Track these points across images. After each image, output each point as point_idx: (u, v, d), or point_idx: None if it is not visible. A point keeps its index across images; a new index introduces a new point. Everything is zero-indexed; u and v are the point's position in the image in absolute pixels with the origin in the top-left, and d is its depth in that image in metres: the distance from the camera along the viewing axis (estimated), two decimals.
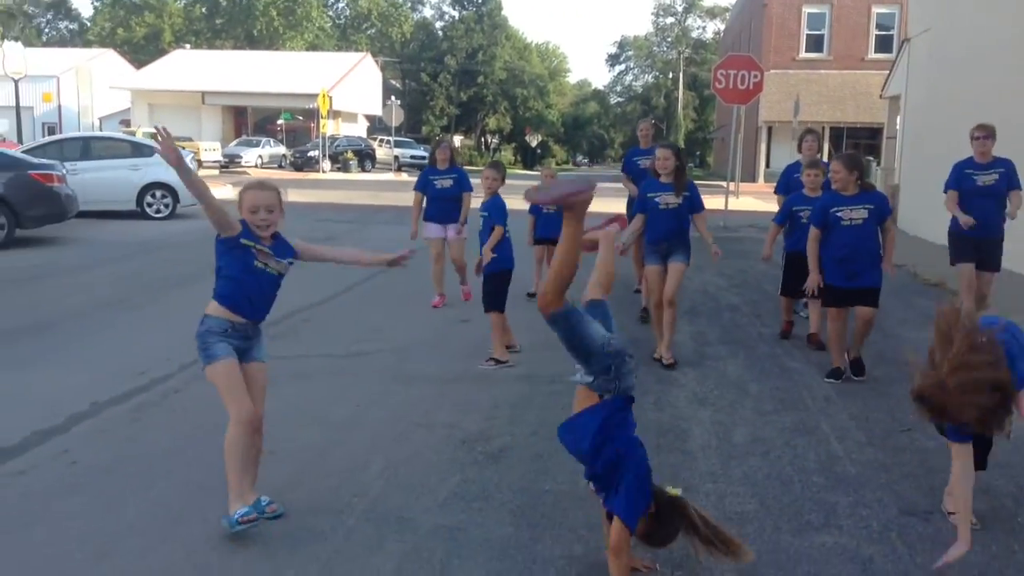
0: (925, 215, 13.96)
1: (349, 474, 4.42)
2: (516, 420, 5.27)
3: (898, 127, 18.88)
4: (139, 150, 17.35)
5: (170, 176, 17.01)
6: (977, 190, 7.23)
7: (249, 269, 3.81)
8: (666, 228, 6.71)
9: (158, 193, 16.93)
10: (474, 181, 8.68)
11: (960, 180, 7.29)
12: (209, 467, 4.20)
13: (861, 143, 33.31)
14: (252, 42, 64.47)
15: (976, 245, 7.30)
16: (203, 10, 68.83)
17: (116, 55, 57.36)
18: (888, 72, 21.32)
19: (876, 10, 36.39)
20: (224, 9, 67.30)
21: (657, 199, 6.70)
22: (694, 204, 6.77)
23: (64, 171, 13.50)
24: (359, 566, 3.47)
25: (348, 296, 9.45)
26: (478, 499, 4.10)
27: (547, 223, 8.78)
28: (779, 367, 6.70)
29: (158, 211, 16.95)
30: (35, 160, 13.49)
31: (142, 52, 61.59)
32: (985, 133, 7.22)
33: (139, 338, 7.34)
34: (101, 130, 41.31)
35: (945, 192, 7.40)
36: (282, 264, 3.91)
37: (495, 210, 6.75)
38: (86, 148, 16.88)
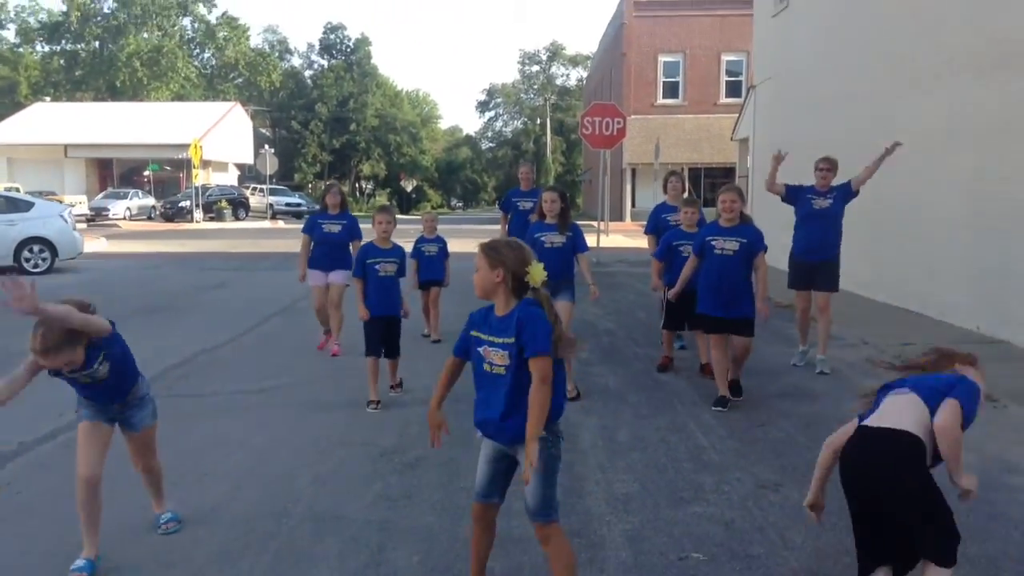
0: (773, 245, 15.33)
1: (281, 485, 4.93)
2: (427, 434, 5.85)
3: (748, 166, 20.53)
4: (15, 205, 17.13)
5: (47, 231, 16.90)
6: (814, 213, 7.80)
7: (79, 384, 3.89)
8: (551, 267, 6.96)
9: (35, 247, 16.70)
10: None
11: (801, 202, 7.93)
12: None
13: (717, 182, 35.49)
14: (115, 93, 62.89)
15: (811, 269, 7.89)
16: (61, 62, 66.77)
17: None
18: (737, 116, 23.13)
19: (725, 58, 38.93)
20: (84, 61, 65.47)
21: (543, 239, 6.86)
22: (577, 244, 6.95)
23: None
24: (306, 555, 4.01)
25: (246, 338, 9.80)
26: (402, 498, 4.69)
27: (429, 265, 9.33)
28: (653, 380, 7.55)
29: (36, 265, 16.69)
30: None
31: None
32: (828, 166, 7.85)
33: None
34: None
35: (783, 200, 8.12)
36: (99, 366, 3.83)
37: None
38: None
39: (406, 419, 6.22)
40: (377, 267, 6.69)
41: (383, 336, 6.70)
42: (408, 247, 7.91)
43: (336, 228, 8.61)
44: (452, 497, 4.67)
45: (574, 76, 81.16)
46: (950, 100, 10.26)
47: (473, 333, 3.32)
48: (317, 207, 9.51)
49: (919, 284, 10.83)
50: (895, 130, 11.35)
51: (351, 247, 8.45)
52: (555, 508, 3.24)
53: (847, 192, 7.83)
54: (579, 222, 7.89)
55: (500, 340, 3.21)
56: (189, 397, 7.09)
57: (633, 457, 5.40)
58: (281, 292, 13.22)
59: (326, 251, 8.63)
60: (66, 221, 17.52)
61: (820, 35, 15.10)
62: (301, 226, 9.11)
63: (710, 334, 6.72)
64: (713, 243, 6.57)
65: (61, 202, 25.20)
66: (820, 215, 7.85)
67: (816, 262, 7.91)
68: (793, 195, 8.11)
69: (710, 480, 4.96)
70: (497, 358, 3.21)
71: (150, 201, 43.62)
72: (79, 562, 3.81)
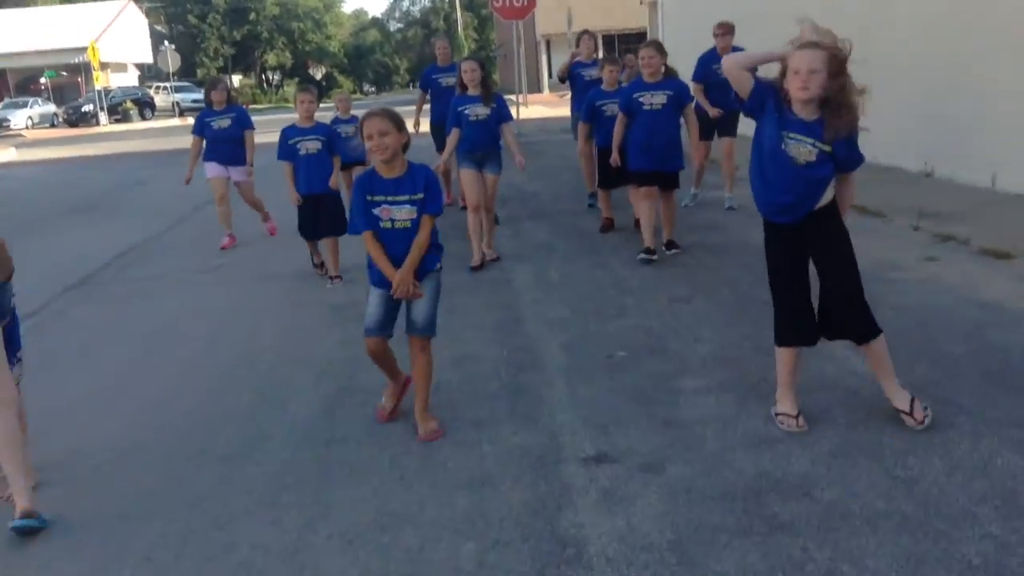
0: None
1: (248, 340, 5.45)
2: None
3: (658, 30, 20.84)
4: None
5: None
6: (720, 81, 8.32)
7: None
8: (478, 138, 6.82)
9: None
10: (257, 119, 8.84)
11: (706, 73, 8.21)
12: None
13: (631, 47, 35.58)
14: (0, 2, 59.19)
15: (713, 120, 8.19)
16: None
17: None
18: None
19: None
20: None
21: (467, 111, 6.80)
22: (502, 115, 6.89)
23: None
24: (284, 387, 4.56)
25: (184, 227, 10.05)
26: (360, 341, 5.24)
27: (347, 146, 8.49)
28: (577, 231, 8.14)
29: None
30: None
31: None
32: (724, 30, 8.01)
33: None
34: None
35: (694, 82, 8.69)
36: None
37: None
38: None
39: (351, 279, 6.67)
40: (299, 147, 6.68)
41: (314, 215, 6.70)
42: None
43: (226, 123, 8.30)
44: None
45: None
46: None
47: (368, 198, 3.73)
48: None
49: None
50: None
51: (246, 139, 8.32)
52: (435, 325, 3.89)
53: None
54: None
55: (406, 198, 3.71)
56: (143, 279, 7.47)
57: (563, 290, 6.04)
58: (206, 186, 13.32)
59: (220, 148, 8.37)
60: None
61: None
62: None
63: (643, 186, 6.68)
64: (640, 99, 6.52)
65: None
66: (725, 81, 8.25)
67: (719, 115, 8.17)
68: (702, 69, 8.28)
69: (631, 300, 5.64)
70: (402, 214, 3.71)
71: (51, 108, 42.05)
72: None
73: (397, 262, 3.71)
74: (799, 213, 3.48)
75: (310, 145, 6.71)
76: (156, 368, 5.09)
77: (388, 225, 3.72)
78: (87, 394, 4.72)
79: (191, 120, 38.63)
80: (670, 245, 6.74)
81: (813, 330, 3.56)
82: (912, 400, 3.47)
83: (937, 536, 2.71)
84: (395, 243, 3.72)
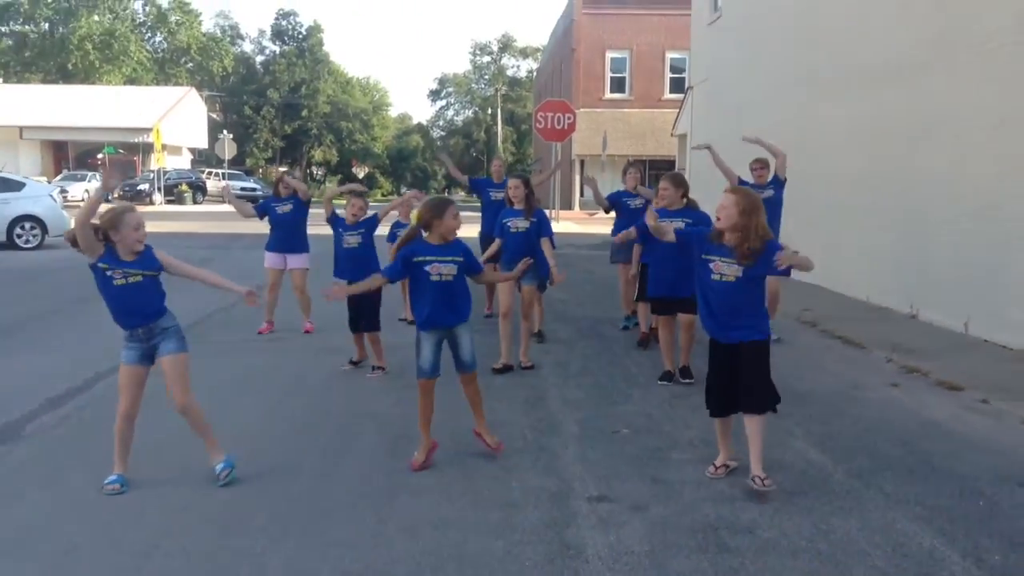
0: None
1: (319, 395, 6.57)
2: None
3: (687, 160, 22.46)
4: (7, 184, 18.29)
5: (38, 209, 18.08)
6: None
7: (110, 287, 4.51)
8: (516, 249, 7.30)
9: (27, 225, 17.89)
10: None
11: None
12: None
13: (660, 173, 37.39)
14: (66, 76, 62.81)
15: None
16: (10, 43, 66.36)
17: None
18: (677, 113, 25.04)
19: (670, 55, 40.84)
20: (34, 42, 65.22)
21: (509, 224, 7.46)
22: (542, 229, 7.41)
23: None
24: (350, 434, 5.66)
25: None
26: (413, 401, 6.36)
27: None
28: (597, 334, 9.30)
29: (27, 242, 17.88)
30: None
31: None
32: (760, 165, 8.83)
33: (84, 336, 9.05)
34: None
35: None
36: (149, 272, 4.60)
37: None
38: None
39: (406, 351, 7.81)
40: (343, 240, 7.46)
41: (356, 310, 7.28)
42: (384, 231, 8.92)
43: (287, 207, 9.03)
44: (453, 399, 6.36)
45: (524, 67, 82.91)
46: (847, 107, 12.19)
47: (416, 259, 4.87)
48: (271, 192, 9.72)
49: (819, 261, 12.77)
50: (807, 131, 13.29)
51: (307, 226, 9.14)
52: (476, 363, 5.15)
53: (781, 182, 8.70)
54: None
55: (450, 259, 4.91)
56: (217, 343, 8.64)
57: (581, 378, 7.19)
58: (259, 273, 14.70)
59: (281, 234, 9.08)
60: (55, 200, 18.74)
61: (746, 45, 17.03)
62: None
63: (659, 315, 7.18)
64: None
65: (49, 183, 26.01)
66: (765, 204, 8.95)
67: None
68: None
69: (638, 392, 6.76)
70: (447, 270, 4.89)
71: None
72: (111, 476, 4.63)
73: (441, 305, 4.92)
74: None
75: (352, 240, 7.40)
76: (247, 408, 6.21)
77: (437, 278, 4.90)
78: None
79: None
80: (684, 372, 7.06)
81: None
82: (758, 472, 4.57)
83: (837, 564, 3.76)
84: (447, 289, 4.94)
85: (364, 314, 7.21)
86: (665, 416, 6.10)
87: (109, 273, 4.48)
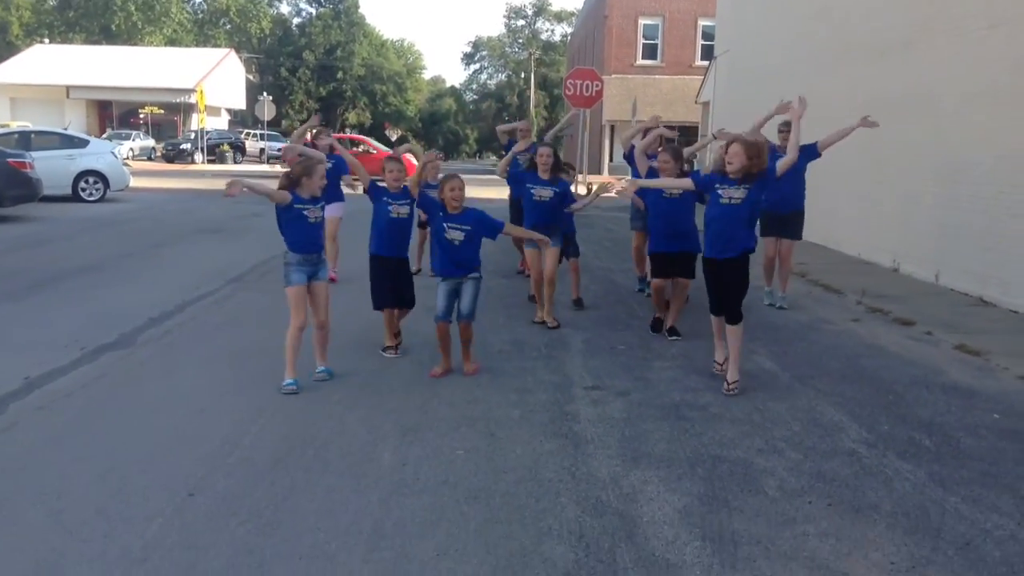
0: None
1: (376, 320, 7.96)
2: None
3: (708, 127, 23.53)
4: (72, 142, 19.82)
5: (101, 164, 19.60)
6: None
7: (304, 222, 5.79)
8: (538, 218, 7.59)
9: (91, 179, 19.42)
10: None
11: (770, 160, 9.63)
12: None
13: (690, 139, 38.38)
14: (108, 36, 64.44)
15: (782, 219, 8.78)
16: (53, 3, 68.07)
17: None
18: (702, 81, 26.03)
19: (702, 23, 41.41)
20: (77, 2, 66.84)
21: (533, 191, 7.66)
22: (565, 200, 7.72)
23: (31, 159, 15.98)
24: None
25: None
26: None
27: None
28: (608, 280, 10.61)
29: (91, 195, 19.41)
30: (8, 149, 15.98)
31: None
32: (787, 128, 7.94)
33: (161, 274, 10.51)
34: None
35: None
36: (320, 210, 5.95)
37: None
38: (26, 140, 19.17)
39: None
40: (389, 209, 6.66)
41: (393, 282, 6.81)
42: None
43: (328, 164, 8.36)
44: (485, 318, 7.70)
45: (559, 32, 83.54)
46: (848, 79, 13.30)
47: (440, 224, 6.11)
48: None
49: (820, 223, 13.96)
50: (817, 100, 14.35)
51: (341, 182, 9.65)
52: (474, 314, 6.18)
53: (812, 153, 8.38)
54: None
55: (459, 226, 6.06)
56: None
57: (591, 311, 8.55)
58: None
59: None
60: (116, 157, 20.27)
61: (766, 18, 18.05)
62: None
63: (659, 277, 7.53)
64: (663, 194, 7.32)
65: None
66: (788, 172, 7.91)
67: (786, 213, 8.77)
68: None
69: (636, 323, 8.08)
70: (456, 235, 6.06)
71: (150, 142, 45.97)
72: (287, 380, 5.70)
73: (454, 264, 6.11)
74: None
75: (402, 210, 6.63)
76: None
77: (450, 239, 6.12)
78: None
79: (279, 167, 42.28)
80: (672, 332, 7.50)
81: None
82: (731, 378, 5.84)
83: (763, 428, 5.11)
84: (454, 249, 6.11)
85: (405, 287, 6.80)
86: (656, 340, 7.44)
87: (305, 212, 5.77)
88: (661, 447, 4.80)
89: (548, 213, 7.65)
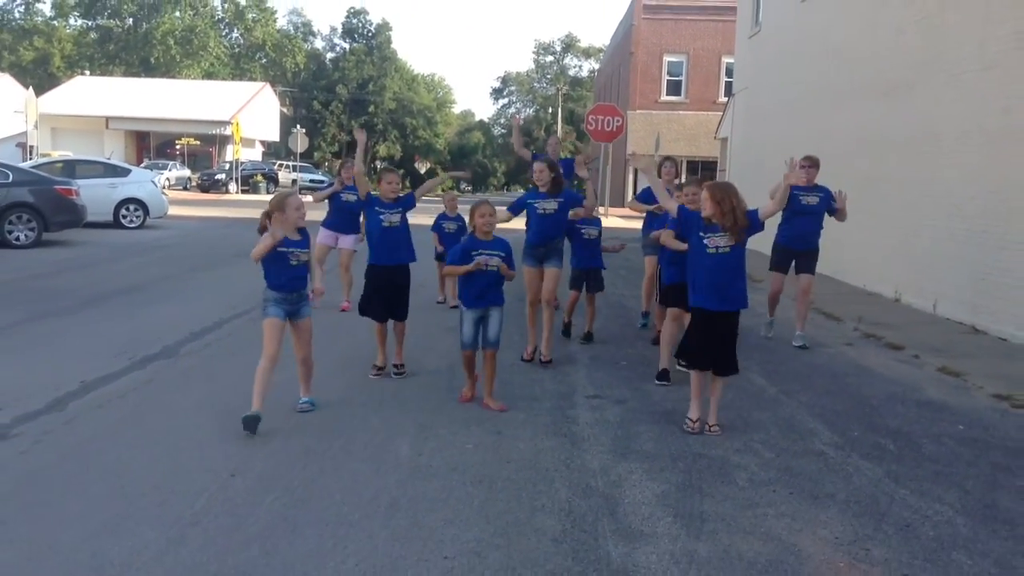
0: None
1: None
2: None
3: (727, 162, 24.12)
4: (115, 171, 20.78)
5: (141, 193, 20.50)
6: (801, 208, 8.39)
7: (281, 259, 5.72)
8: (545, 231, 7.53)
9: (132, 207, 20.32)
10: None
11: (789, 198, 7.46)
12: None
13: (712, 173, 38.98)
14: (148, 69, 66.51)
15: (795, 256, 8.74)
16: (94, 36, 70.30)
17: (10, 79, 58.29)
18: (720, 117, 26.68)
19: (725, 60, 42.14)
20: (118, 36, 69.03)
21: (536, 205, 7.53)
22: (571, 202, 7.64)
23: (77, 186, 16.86)
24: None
25: (331, 275, 13.43)
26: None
27: (450, 241, 10.07)
28: (619, 304, 11.18)
29: (131, 222, 20.30)
30: (56, 177, 16.91)
31: (30, 76, 62.54)
32: (810, 163, 8.54)
33: (190, 300, 11.22)
34: None
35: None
36: (304, 253, 5.78)
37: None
38: (71, 169, 20.13)
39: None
40: (382, 219, 6.86)
41: (386, 294, 6.99)
42: (429, 223, 10.81)
43: (352, 197, 9.63)
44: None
45: (586, 67, 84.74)
46: (856, 118, 13.87)
47: (473, 252, 6.03)
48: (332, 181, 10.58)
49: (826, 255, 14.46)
50: (827, 137, 14.94)
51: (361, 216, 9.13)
52: (499, 342, 6.23)
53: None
54: None
55: (495, 253, 6.02)
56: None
57: (600, 332, 9.08)
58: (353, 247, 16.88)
59: (340, 218, 9.94)
60: (156, 185, 21.19)
61: (781, 58, 18.69)
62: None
63: (667, 307, 7.26)
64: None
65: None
66: (807, 211, 8.51)
67: (802, 250, 8.73)
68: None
69: (641, 343, 8.65)
70: (493, 262, 6.01)
71: (186, 172, 47.27)
72: (252, 411, 5.45)
73: (486, 289, 6.09)
74: None
75: (393, 219, 6.85)
76: (344, 349, 8.23)
77: (484, 268, 6.20)
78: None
79: (309, 198, 43.19)
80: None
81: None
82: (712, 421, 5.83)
83: (742, 433, 5.65)
84: (485, 279, 6.16)
85: (398, 301, 6.96)
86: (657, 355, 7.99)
87: (288, 254, 5.70)
88: (649, 445, 5.37)
89: (554, 226, 7.53)
